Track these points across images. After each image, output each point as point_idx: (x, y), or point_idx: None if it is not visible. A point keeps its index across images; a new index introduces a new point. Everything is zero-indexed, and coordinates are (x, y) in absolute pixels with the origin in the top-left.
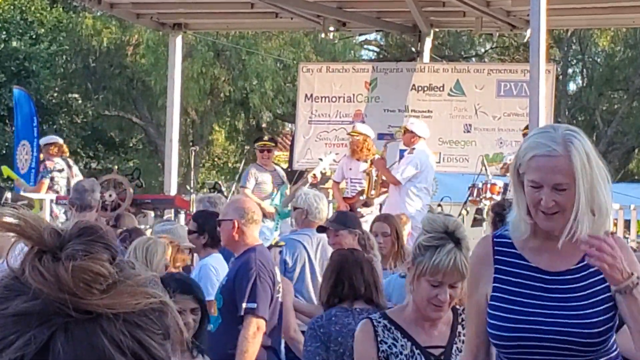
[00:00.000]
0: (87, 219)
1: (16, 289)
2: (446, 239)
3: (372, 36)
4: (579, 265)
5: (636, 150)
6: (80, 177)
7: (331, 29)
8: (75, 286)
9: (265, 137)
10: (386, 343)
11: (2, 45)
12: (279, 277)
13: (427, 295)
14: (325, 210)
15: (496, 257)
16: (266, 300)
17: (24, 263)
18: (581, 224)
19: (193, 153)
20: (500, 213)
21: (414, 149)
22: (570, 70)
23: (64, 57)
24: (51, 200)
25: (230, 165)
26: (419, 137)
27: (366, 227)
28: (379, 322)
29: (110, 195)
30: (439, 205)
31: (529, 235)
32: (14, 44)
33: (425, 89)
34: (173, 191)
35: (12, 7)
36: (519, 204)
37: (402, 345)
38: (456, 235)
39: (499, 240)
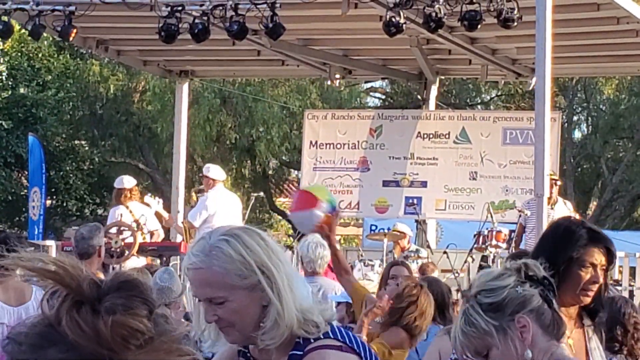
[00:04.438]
0: (88, 267)
1: (51, 337)
2: None
3: (377, 83)
4: None
5: None
6: None
7: (337, 76)
8: (113, 341)
9: None
10: None
11: (10, 92)
12: None
13: None
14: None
15: None
16: None
17: (60, 312)
18: None
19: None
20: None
21: (205, 193)
22: (575, 118)
23: (71, 103)
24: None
25: None
26: (214, 180)
27: None
28: None
29: (116, 242)
30: (445, 252)
31: None
32: (22, 90)
33: (431, 136)
34: (179, 238)
35: (19, 54)
36: None
37: None
38: None
39: None
